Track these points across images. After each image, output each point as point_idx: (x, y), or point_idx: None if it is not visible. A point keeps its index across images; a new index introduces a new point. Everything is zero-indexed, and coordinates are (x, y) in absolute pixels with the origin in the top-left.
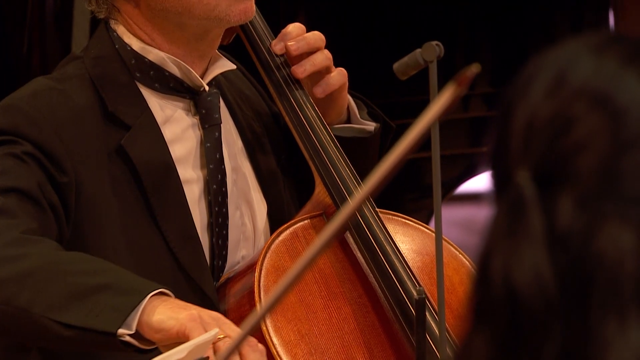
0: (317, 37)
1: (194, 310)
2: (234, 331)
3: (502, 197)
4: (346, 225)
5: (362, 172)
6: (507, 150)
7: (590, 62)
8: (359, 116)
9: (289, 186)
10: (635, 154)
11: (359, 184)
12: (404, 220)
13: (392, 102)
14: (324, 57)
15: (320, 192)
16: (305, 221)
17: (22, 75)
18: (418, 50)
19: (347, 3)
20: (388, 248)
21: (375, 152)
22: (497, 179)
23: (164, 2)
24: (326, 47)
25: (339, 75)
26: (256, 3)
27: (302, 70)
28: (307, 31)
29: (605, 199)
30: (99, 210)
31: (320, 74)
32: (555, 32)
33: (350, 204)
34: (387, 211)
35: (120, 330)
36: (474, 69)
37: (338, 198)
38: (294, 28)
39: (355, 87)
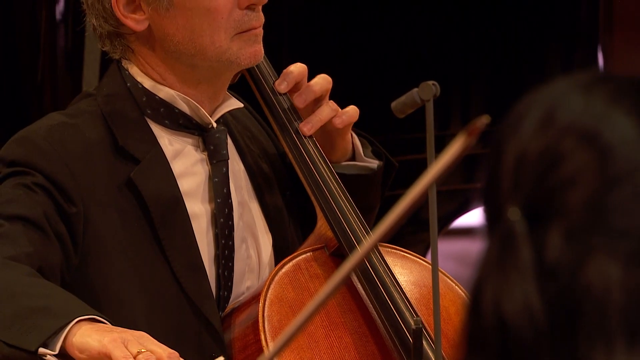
0: (323, 84)
1: (117, 332)
2: (158, 347)
3: (494, 231)
4: (353, 272)
5: (365, 208)
6: (498, 186)
7: (579, 100)
8: (363, 154)
9: (293, 220)
10: (622, 189)
11: (359, 219)
12: (402, 253)
13: (390, 139)
14: (329, 110)
15: (322, 225)
16: (308, 254)
17: (34, 111)
18: (415, 89)
19: (348, 45)
20: (387, 280)
21: (378, 189)
22: (489, 214)
23: (178, 45)
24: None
25: (345, 116)
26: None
27: (309, 127)
28: (310, 73)
29: (592, 233)
30: (107, 240)
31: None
32: (547, 71)
33: (360, 250)
34: (386, 244)
35: (42, 349)
36: (484, 119)
37: (339, 232)
38: (296, 68)
39: (354, 125)
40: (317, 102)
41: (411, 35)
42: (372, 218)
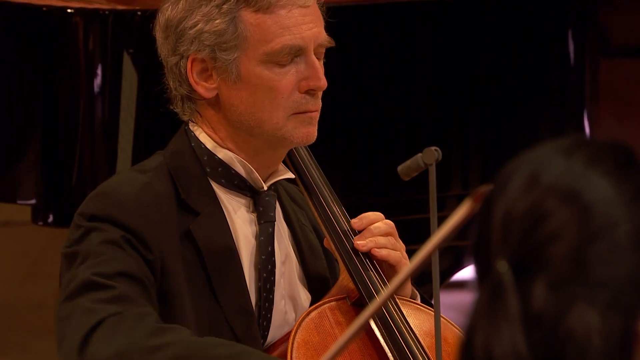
0: (383, 226)
1: None
2: None
3: (484, 282)
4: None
5: None
6: (488, 241)
7: (561, 162)
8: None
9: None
10: (601, 243)
11: (378, 273)
12: (416, 305)
13: (395, 200)
14: (386, 241)
15: (344, 278)
16: (332, 303)
17: (75, 175)
18: (419, 154)
19: (358, 117)
20: (403, 327)
21: None
22: (479, 267)
23: (240, 115)
24: (336, 153)
25: (384, 251)
26: None
27: (363, 244)
28: (323, 139)
29: (574, 284)
30: (173, 285)
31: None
32: (538, 138)
33: (378, 300)
34: (403, 297)
35: None
36: (487, 187)
37: (360, 284)
38: (372, 215)
39: (361, 187)
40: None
41: (416, 107)
42: None
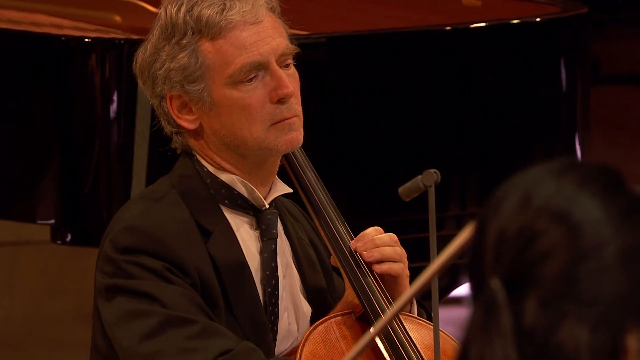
0: (385, 238)
1: None
2: None
3: (479, 299)
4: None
5: None
6: (482, 260)
7: (552, 184)
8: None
9: (330, 296)
10: (590, 262)
11: (381, 289)
12: (417, 320)
13: (396, 220)
14: (391, 250)
15: (349, 294)
16: (338, 317)
17: (90, 198)
18: (419, 176)
19: (360, 142)
20: (406, 342)
21: None
22: (474, 284)
23: (224, 138)
24: (340, 175)
25: (385, 266)
26: None
27: (369, 255)
28: (325, 168)
29: (564, 301)
30: (214, 302)
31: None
32: (532, 162)
33: (380, 322)
34: (405, 313)
35: None
36: None
37: (365, 300)
38: (372, 230)
39: (364, 207)
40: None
41: (417, 132)
42: None
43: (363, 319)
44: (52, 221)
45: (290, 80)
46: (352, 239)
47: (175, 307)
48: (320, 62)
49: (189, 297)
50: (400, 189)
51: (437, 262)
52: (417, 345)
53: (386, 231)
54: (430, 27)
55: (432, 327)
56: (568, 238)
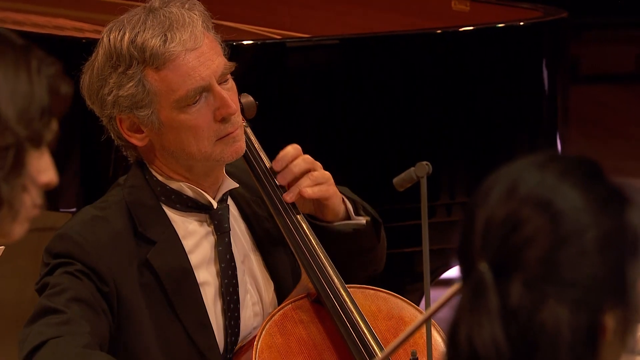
0: (301, 165)
1: None
2: None
3: (467, 281)
4: None
5: (365, 250)
6: (470, 245)
7: (535, 175)
8: (354, 214)
9: (290, 268)
10: (570, 247)
11: (334, 271)
12: (363, 288)
13: (390, 209)
14: (308, 181)
15: (305, 278)
16: (294, 303)
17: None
18: (412, 168)
19: (358, 137)
20: (360, 321)
21: (372, 236)
22: (463, 267)
23: (173, 153)
24: (340, 168)
25: (315, 189)
26: (259, 122)
27: (290, 196)
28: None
29: (546, 283)
30: (133, 312)
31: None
32: (516, 155)
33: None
34: (359, 285)
35: None
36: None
37: (318, 284)
38: (291, 149)
39: (363, 197)
40: (299, 177)
41: (410, 128)
42: (374, 256)
43: (318, 301)
44: (74, 209)
45: (230, 94)
46: (305, 224)
47: (62, 300)
48: (320, 62)
49: (85, 294)
50: (395, 180)
51: (428, 312)
52: (366, 317)
53: (382, 219)
54: (423, 31)
55: (386, 296)
56: (550, 225)
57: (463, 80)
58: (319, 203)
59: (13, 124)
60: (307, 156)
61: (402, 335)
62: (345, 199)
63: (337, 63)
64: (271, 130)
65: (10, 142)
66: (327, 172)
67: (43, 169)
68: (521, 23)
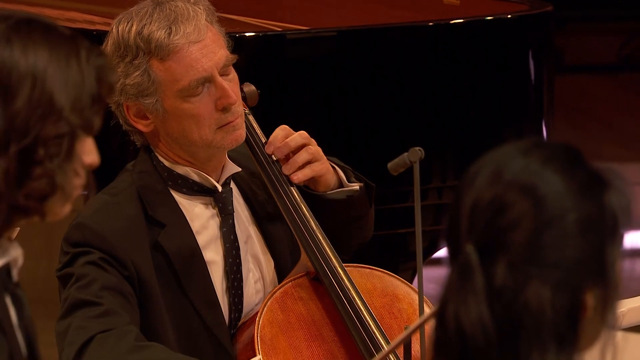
0: (297, 139)
1: None
2: None
3: (455, 262)
4: None
5: (358, 217)
6: (458, 227)
7: (520, 161)
8: (347, 181)
9: (289, 246)
10: (553, 230)
11: (332, 251)
12: (369, 269)
13: (385, 192)
14: (307, 154)
15: (304, 258)
16: (293, 281)
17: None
18: (405, 153)
19: (355, 123)
20: (357, 297)
21: (365, 201)
22: (450, 249)
23: (177, 139)
24: (337, 153)
25: (303, 173)
26: (261, 110)
27: (288, 168)
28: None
29: (530, 264)
30: (149, 292)
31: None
32: (503, 141)
33: None
34: (355, 264)
35: None
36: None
37: (316, 263)
38: (280, 131)
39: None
40: (296, 151)
41: (404, 115)
42: (365, 223)
43: (316, 279)
44: (86, 192)
45: (232, 86)
46: (304, 205)
47: (95, 291)
48: (318, 53)
49: (113, 282)
50: (389, 164)
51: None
52: (362, 294)
53: (377, 201)
54: (414, 23)
55: (382, 275)
56: (534, 209)
57: (454, 70)
58: (313, 178)
59: (67, 113)
60: (303, 132)
61: (400, 337)
62: (337, 168)
63: (334, 53)
64: (272, 118)
65: (65, 130)
66: (319, 147)
67: (87, 151)
68: (509, 16)
